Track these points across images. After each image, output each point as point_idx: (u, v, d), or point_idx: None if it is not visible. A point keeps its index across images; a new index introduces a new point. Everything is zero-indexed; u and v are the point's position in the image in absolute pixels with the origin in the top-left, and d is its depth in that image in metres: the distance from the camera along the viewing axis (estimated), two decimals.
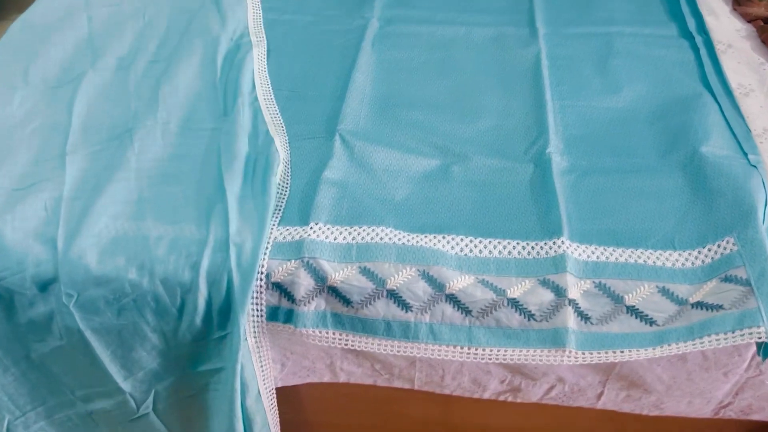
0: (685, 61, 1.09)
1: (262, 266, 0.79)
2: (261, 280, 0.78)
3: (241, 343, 0.78)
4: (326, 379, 0.93)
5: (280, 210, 0.85)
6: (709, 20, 1.17)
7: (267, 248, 0.80)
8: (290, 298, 0.79)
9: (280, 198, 0.86)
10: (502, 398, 0.93)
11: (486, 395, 0.93)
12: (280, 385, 0.93)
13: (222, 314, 0.79)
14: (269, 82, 1.04)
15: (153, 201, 0.84)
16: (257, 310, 0.79)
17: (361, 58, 1.10)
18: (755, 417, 0.91)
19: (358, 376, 0.92)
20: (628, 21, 1.18)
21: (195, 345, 0.82)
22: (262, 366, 0.83)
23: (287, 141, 0.94)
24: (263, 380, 0.83)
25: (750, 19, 1.18)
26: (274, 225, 0.83)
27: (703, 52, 1.10)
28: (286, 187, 0.88)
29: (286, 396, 0.95)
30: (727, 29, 1.16)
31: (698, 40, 1.13)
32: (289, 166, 0.91)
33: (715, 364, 0.82)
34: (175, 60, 1.05)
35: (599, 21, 1.18)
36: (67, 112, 0.97)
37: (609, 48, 1.12)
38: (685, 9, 1.20)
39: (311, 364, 0.91)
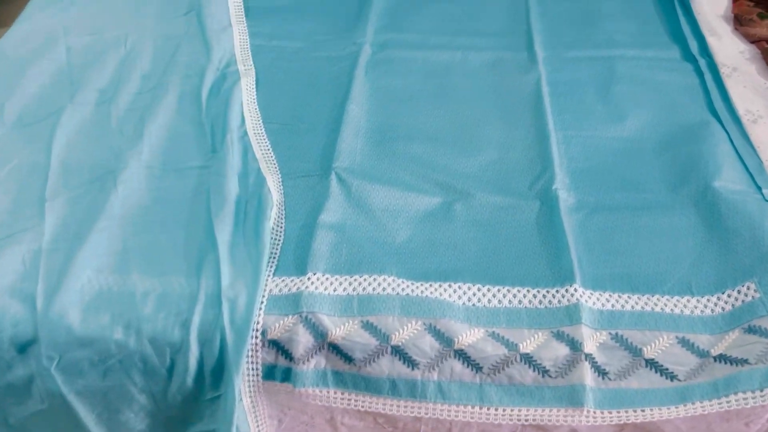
0: (690, 86, 1.06)
1: (258, 322, 0.74)
2: (256, 338, 0.73)
3: (236, 404, 0.73)
4: None
5: (274, 258, 0.80)
6: (712, 41, 1.14)
7: (262, 302, 0.75)
8: (288, 356, 0.74)
9: (274, 244, 0.81)
10: None
11: None
12: None
13: (215, 374, 0.74)
14: (259, 116, 0.99)
15: (138, 251, 0.79)
16: (253, 369, 0.74)
17: (355, 87, 1.05)
18: None
19: (359, 430, 0.87)
20: (630, 43, 1.14)
21: (186, 406, 0.76)
22: (258, 427, 0.77)
23: (280, 180, 0.89)
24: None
25: (753, 40, 1.15)
26: (269, 275, 0.78)
27: (707, 76, 1.06)
28: (281, 232, 0.83)
29: None
30: (730, 51, 1.13)
31: (702, 63, 1.09)
32: (283, 209, 0.86)
33: (737, 415, 0.78)
34: (160, 92, 1.00)
35: (600, 44, 1.14)
36: (46, 151, 0.91)
37: (611, 72, 1.08)
38: (686, 30, 1.16)
39: (310, 419, 0.85)
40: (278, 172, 0.91)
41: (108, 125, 0.95)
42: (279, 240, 0.82)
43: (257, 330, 0.73)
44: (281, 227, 0.83)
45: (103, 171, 0.89)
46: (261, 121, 0.99)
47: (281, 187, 0.89)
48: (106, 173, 0.88)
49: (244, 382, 0.74)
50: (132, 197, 0.85)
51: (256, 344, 0.73)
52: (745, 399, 0.68)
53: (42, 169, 0.89)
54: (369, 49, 1.13)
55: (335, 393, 0.75)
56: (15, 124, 0.95)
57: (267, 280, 0.77)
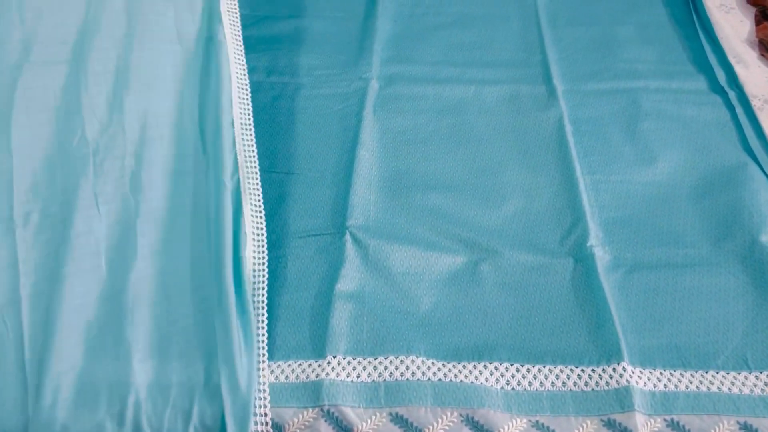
0: (722, 122, 0.99)
1: (265, 404, 0.66)
2: (265, 416, 0.66)
3: None
4: None
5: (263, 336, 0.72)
6: (739, 70, 1.07)
7: (264, 391, 0.67)
8: None
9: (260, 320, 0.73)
10: None
11: None
12: None
13: None
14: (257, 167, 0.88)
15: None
16: None
17: (364, 129, 0.97)
18: None
19: None
20: (652, 73, 1.07)
21: None
22: None
23: (265, 238, 0.80)
24: None
25: None
26: (263, 359, 0.70)
27: (739, 110, 1.00)
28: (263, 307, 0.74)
29: None
30: (759, 81, 1.06)
31: (731, 95, 1.02)
32: (266, 272, 0.77)
33: None
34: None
35: (621, 74, 1.07)
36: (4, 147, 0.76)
37: (636, 108, 1.01)
38: (711, 58, 1.09)
39: None
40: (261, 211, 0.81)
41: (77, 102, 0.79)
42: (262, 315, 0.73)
43: (266, 423, 0.66)
44: (263, 301, 0.75)
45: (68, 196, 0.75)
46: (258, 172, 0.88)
47: (266, 245, 0.79)
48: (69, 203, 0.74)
49: None
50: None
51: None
52: None
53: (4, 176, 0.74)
54: (376, 84, 1.05)
55: None
56: None
57: (263, 353, 0.69)
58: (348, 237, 0.82)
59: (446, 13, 1.20)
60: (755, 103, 1.01)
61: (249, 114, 0.90)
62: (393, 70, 1.08)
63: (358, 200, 0.87)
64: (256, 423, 0.66)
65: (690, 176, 0.92)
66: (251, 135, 0.87)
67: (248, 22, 1.12)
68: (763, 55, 1.12)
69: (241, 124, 0.88)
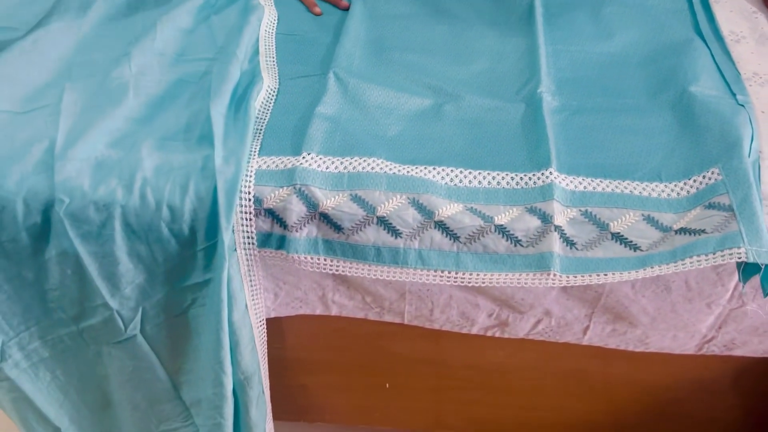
0: (678, 10, 1.10)
1: (249, 192, 0.80)
2: (249, 206, 0.80)
3: (226, 253, 0.79)
4: (318, 311, 0.95)
5: (260, 134, 0.87)
6: None
7: (251, 173, 0.81)
8: (282, 224, 0.81)
9: (260, 122, 0.89)
10: (489, 333, 0.95)
11: (474, 330, 0.94)
12: (273, 315, 0.95)
13: (208, 228, 0.80)
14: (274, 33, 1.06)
15: (147, 128, 0.86)
16: (247, 234, 0.81)
17: (354, 7, 1.11)
18: (738, 352, 0.93)
19: (349, 309, 0.94)
20: None
21: (182, 256, 0.83)
22: (251, 280, 0.84)
23: (277, 76, 0.96)
24: (251, 294, 0.85)
25: None
26: (256, 148, 0.85)
27: (695, 0, 1.11)
28: (267, 113, 0.90)
29: (276, 330, 0.98)
30: None
31: None
32: (275, 95, 0.94)
33: (699, 295, 0.84)
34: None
35: None
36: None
37: None
38: None
39: (303, 294, 0.92)
40: (276, 67, 0.98)
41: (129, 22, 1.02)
42: (265, 118, 0.89)
43: (249, 198, 0.80)
44: (268, 109, 0.91)
45: (118, 54, 0.95)
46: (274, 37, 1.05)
47: (277, 80, 0.95)
48: (122, 56, 0.95)
49: (239, 246, 0.81)
50: (144, 80, 0.91)
51: (250, 212, 0.80)
52: (698, 261, 0.73)
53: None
54: None
55: (325, 260, 0.81)
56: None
57: (255, 152, 0.84)
58: (331, 75, 0.95)
59: None
60: None
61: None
62: None
63: (343, 53, 1.00)
64: (241, 197, 0.80)
65: (642, 49, 1.03)
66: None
67: None
68: None
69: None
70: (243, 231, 0.80)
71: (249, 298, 0.84)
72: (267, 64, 0.97)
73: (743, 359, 0.96)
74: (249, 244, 0.81)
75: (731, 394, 1.03)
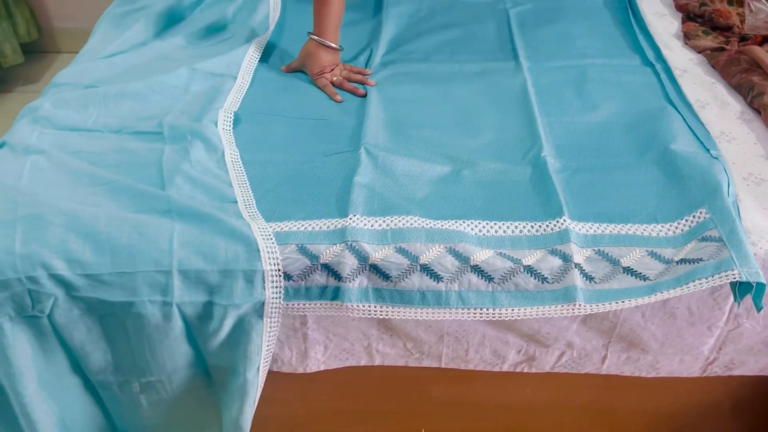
0: (650, 84, 1.28)
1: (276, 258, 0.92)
2: (278, 270, 0.91)
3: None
4: (363, 362, 1.05)
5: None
6: (666, 52, 1.37)
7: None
8: (337, 276, 0.92)
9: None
10: (519, 369, 1.05)
11: (505, 367, 1.05)
12: (322, 368, 1.04)
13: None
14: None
15: None
16: (275, 290, 0.91)
17: (371, 95, 1.26)
18: (737, 372, 1.04)
19: (391, 357, 1.04)
20: (598, 54, 1.37)
21: None
22: (268, 344, 0.94)
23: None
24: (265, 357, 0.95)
25: (700, 51, 1.39)
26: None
27: (663, 76, 1.29)
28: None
29: (322, 383, 1.06)
30: (681, 58, 1.36)
31: (658, 67, 1.32)
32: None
33: (700, 319, 0.97)
34: None
35: (574, 56, 1.38)
36: None
37: (584, 76, 1.31)
38: (644, 44, 1.40)
39: (350, 346, 1.02)
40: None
41: None
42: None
43: (278, 266, 0.91)
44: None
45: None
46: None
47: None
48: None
49: (267, 302, 0.91)
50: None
51: (278, 273, 0.91)
52: (700, 283, 0.86)
53: None
54: (380, 65, 1.35)
55: (376, 306, 0.92)
56: None
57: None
58: (362, 150, 1.09)
59: (436, 20, 1.53)
60: (676, 72, 1.31)
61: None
62: (393, 57, 1.39)
63: (369, 132, 1.15)
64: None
65: (623, 118, 1.20)
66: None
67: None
68: (686, 43, 1.43)
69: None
70: (273, 288, 0.91)
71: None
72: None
73: (742, 382, 1.07)
74: (276, 298, 0.92)
75: (731, 417, 1.14)
